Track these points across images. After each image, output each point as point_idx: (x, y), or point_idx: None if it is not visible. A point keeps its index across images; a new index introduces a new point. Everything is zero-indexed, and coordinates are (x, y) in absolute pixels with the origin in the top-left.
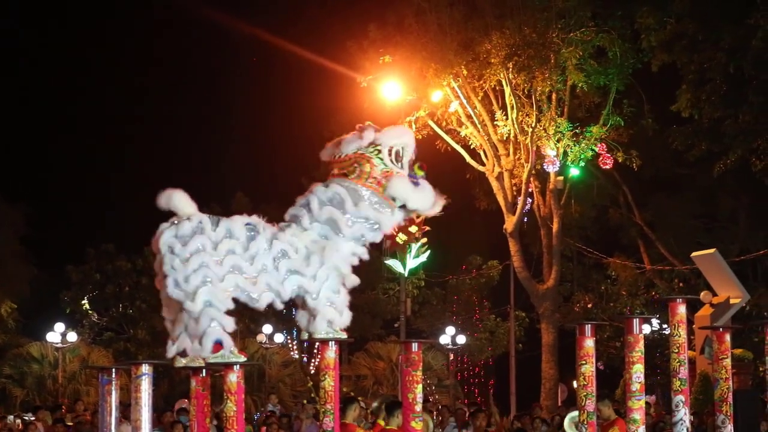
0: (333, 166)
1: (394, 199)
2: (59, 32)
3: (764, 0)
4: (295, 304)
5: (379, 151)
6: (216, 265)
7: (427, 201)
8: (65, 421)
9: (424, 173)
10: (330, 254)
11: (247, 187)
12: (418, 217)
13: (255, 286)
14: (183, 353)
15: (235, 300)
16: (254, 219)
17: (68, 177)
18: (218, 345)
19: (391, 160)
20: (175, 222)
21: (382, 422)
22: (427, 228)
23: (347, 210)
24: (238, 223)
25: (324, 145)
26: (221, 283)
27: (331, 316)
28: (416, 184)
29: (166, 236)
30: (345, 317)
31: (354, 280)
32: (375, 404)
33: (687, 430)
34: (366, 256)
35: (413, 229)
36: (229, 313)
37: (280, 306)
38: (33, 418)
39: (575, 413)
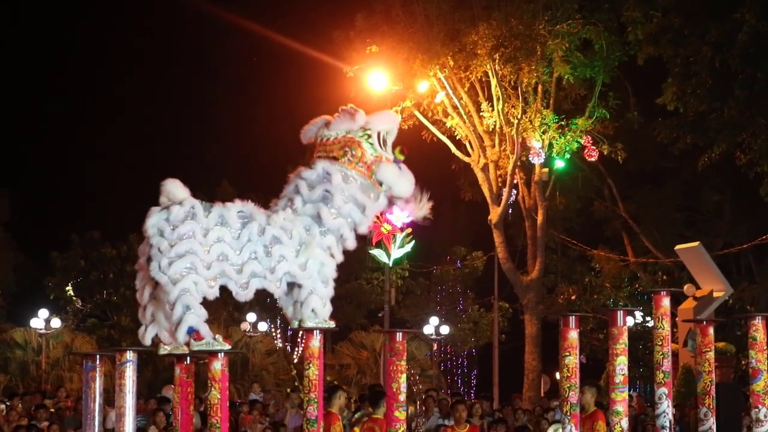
0: (318, 149)
1: (380, 184)
2: (40, 22)
3: None
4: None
5: (369, 136)
6: (203, 251)
7: (409, 186)
8: (47, 407)
9: (404, 157)
10: (319, 240)
11: (232, 176)
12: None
13: (241, 274)
14: (162, 340)
15: (224, 287)
16: (248, 206)
17: (54, 163)
18: (196, 333)
19: (380, 145)
20: (167, 205)
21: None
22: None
23: (336, 185)
24: (231, 210)
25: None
26: (207, 271)
27: (316, 305)
28: (399, 168)
29: (156, 218)
30: (328, 308)
31: (335, 263)
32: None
33: (669, 422)
34: (352, 241)
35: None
36: (213, 301)
37: (275, 290)
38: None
39: (558, 426)
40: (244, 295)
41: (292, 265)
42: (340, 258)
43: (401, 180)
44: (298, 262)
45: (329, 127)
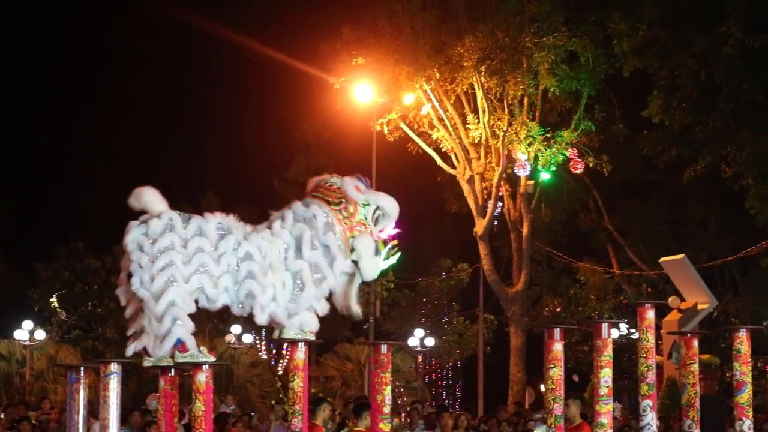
0: (318, 189)
1: (352, 251)
2: (31, 33)
3: (735, 7)
4: None
5: (368, 204)
6: (183, 264)
7: (373, 272)
8: (31, 419)
9: (384, 249)
10: (290, 264)
11: (218, 188)
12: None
13: (215, 289)
14: (147, 352)
15: (195, 302)
16: (227, 219)
17: (38, 175)
18: (182, 345)
19: (372, 219)
20: (145, 219)
21: (351, 425)
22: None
23: (317, 227)
24: (210, 222)
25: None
26: (186, 285)
27: (306, 320)
28: (377, 252)
29: (135, 233)
30: (315, 322)
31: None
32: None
33: None
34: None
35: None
36: (198, 312)
37: (234, 308)
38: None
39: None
40: (212, 306)
41: (255, 284)
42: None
43: (371, 260)
44: (265, 282)
45: (342, 183)
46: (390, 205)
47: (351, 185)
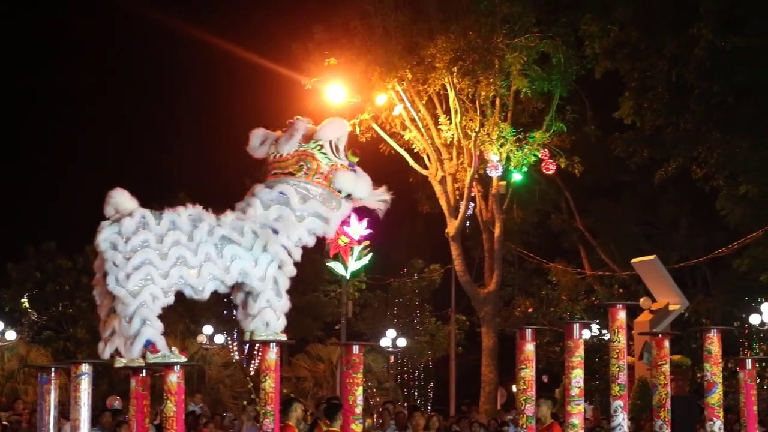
0: (273, 165)
1: (339, 191)
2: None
3: (707, 10)
4: (236, 304)
5: (321, 146)
6: (160, 260)
7: (368, 188)
8: (1, 419)
9: (358, 158)
10: (273, 246)
11: (189, 188)
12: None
13: (198, 278)
14: (119, 353)
15: (180, 293)
16: (196, 209)
17: (9, 175)
18: (153, 346)
19: (333, 153)
20: (117, 218)
21: (323, 426)
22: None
23: (294, 207)
24: (182, 214)
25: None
26: (164, 280)
27: (269, 318)
28: (354, 171)
29: (108, 232)
30: (282, 322)
31: (292, 271)
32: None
33: None
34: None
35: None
36: (170, 313)
37: (224, 290)
38: None
39: None
40: (200, 296)
41: (245, 262)
42: (293, 271)
43: (359, 183)
44: (251, 257)
45: (278, 145)
46: (336, 127)
47: (289, 144)
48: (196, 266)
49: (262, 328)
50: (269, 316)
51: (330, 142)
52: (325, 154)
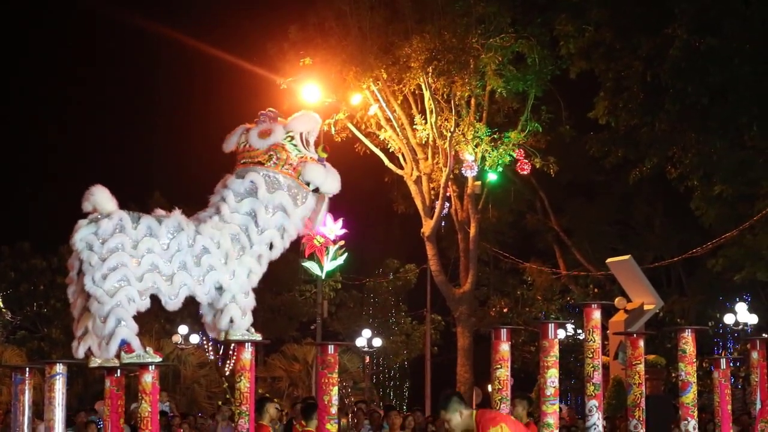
0: (242, 155)
1: (308, 184)
2: None
3: (682, 10)
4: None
5: (292, 138)
6: (134, 264)
7: (336, 183)
8: None
9: (327, 155)
10: (248, 249)
11: (165, 187)
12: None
13: (171, 285)
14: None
15: (154, 297)
16: (177, 217)
17: None
18: (127, 346)
19: (303, 145)
20: (95, 219)
21: (299, 427)
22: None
23: (260, 197)
24: (161, 222)
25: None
26: (139, 283)
27: (234, 314)
28: (324, 166)
29: (84, 232)
30: (248, 318)
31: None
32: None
33: None
34: (284, 245)
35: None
36: (145, 313)
37: (202, 299)
38: None
39: None
40: (173, 304)
41: (221, 274)
42: (264, 268)
43: (328, 178)
44: (228, 270)
45: (249, 139)
46: (307, 120)
47: (261, 143)
48: (169, 275)
49: (226, 325)
50: (234, 312)
51: (300, 135)
52: (295, 145)
